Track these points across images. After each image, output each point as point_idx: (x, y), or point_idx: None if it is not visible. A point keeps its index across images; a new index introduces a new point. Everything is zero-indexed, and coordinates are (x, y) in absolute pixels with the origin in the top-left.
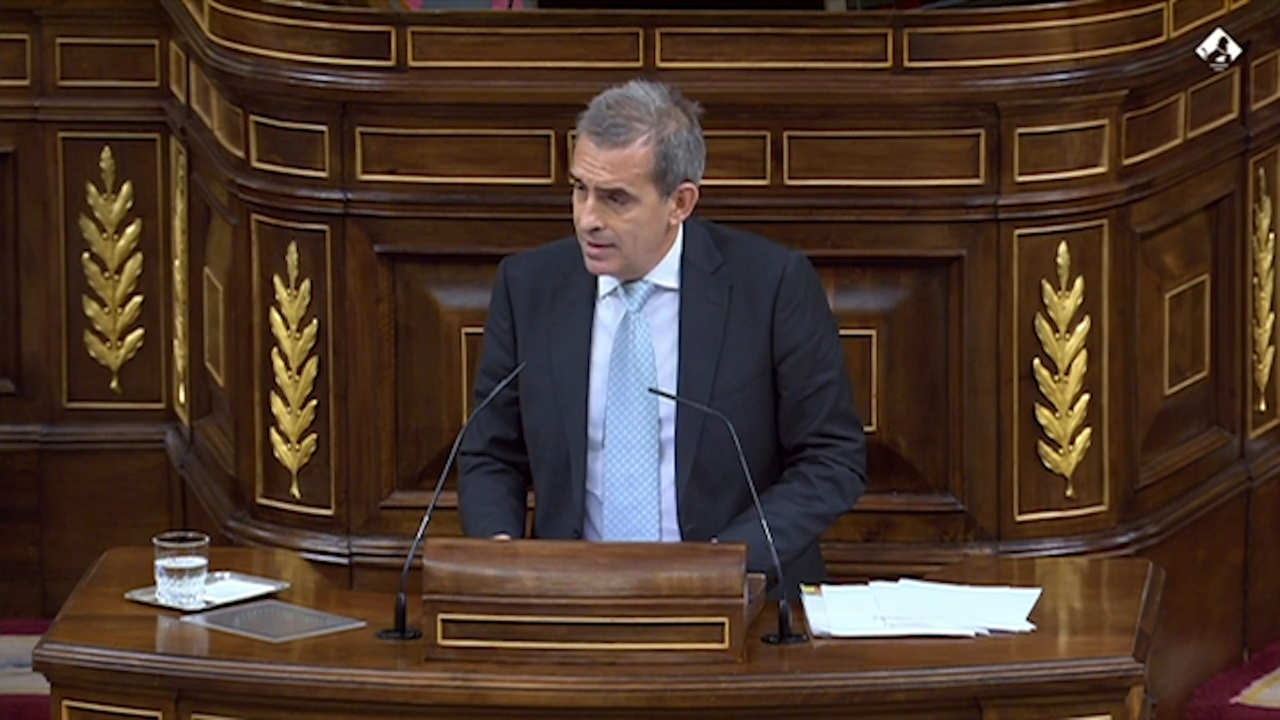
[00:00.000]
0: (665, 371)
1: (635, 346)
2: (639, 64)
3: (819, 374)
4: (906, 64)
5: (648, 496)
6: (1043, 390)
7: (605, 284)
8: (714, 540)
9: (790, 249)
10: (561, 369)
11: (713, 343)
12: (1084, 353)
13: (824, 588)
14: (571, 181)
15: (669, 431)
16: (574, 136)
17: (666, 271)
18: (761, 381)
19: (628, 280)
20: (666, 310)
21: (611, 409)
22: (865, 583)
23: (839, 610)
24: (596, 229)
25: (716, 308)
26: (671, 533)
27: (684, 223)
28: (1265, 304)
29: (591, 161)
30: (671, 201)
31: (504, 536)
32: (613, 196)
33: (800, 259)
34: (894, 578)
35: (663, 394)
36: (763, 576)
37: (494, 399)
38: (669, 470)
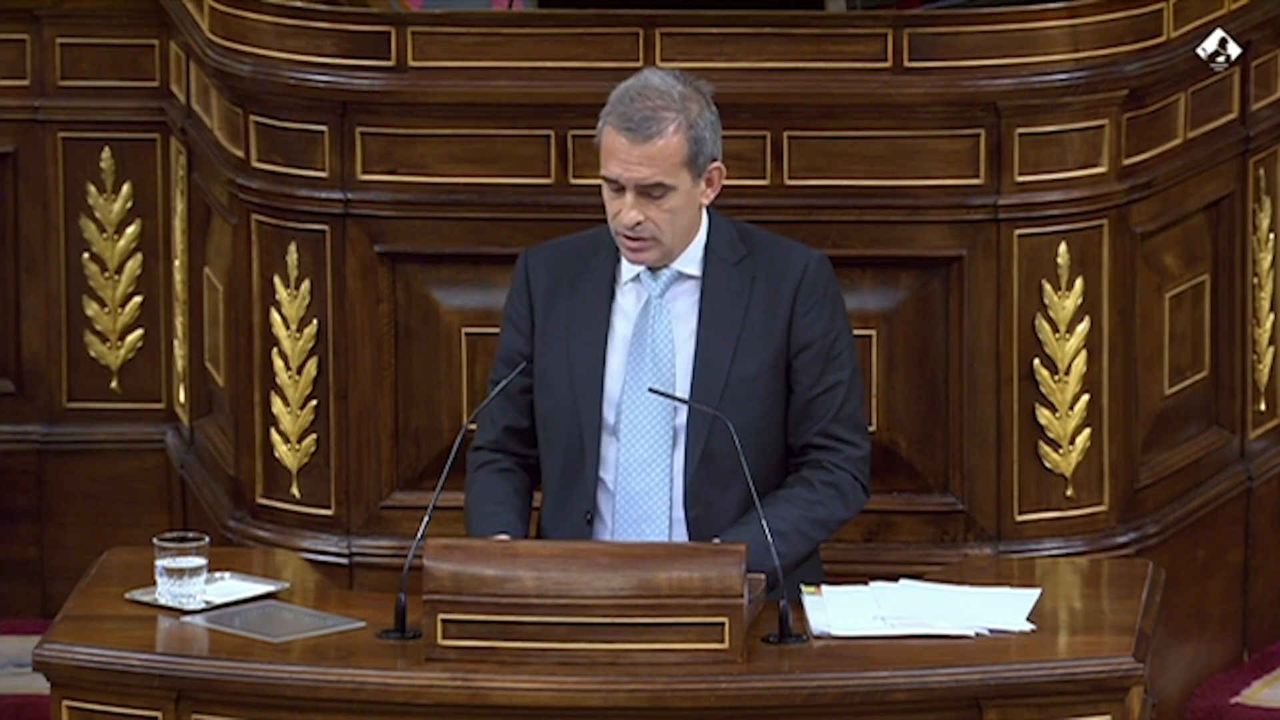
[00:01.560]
0: (683, 357)
1: (655, 332)
2: (639, 64)
3: (831, 374)
4: (906, 64)
5: (659, 482)
6: (1043, 390)
7: (627, 270)
8: (715, 540)
9: (813, 249)
10: (578, 353)
11: (731, 330)
12: (1084, 353)
13: (824, 588)
14: (604, 180)
15: (683, 417)
16: (592, 134)
17: (690, 259)
18: (776, 373)
19: (654, 266)
20: (688, 298)
21: (627, 394)
22: (865, 583)
23: (839, 610)
24: (639, 223)
25: (737, 297)
26: (681, 521)
27: (711, 216)
28: (1265, 304)
29: (626, 158)
30: (702, 183)
31: (504, 536)
32: (651, 190)
33: (823, 258)
34: (894, 578)
35: (663, 394)
36: (763, 576)
37: (508, 388)
38: (681, 456)
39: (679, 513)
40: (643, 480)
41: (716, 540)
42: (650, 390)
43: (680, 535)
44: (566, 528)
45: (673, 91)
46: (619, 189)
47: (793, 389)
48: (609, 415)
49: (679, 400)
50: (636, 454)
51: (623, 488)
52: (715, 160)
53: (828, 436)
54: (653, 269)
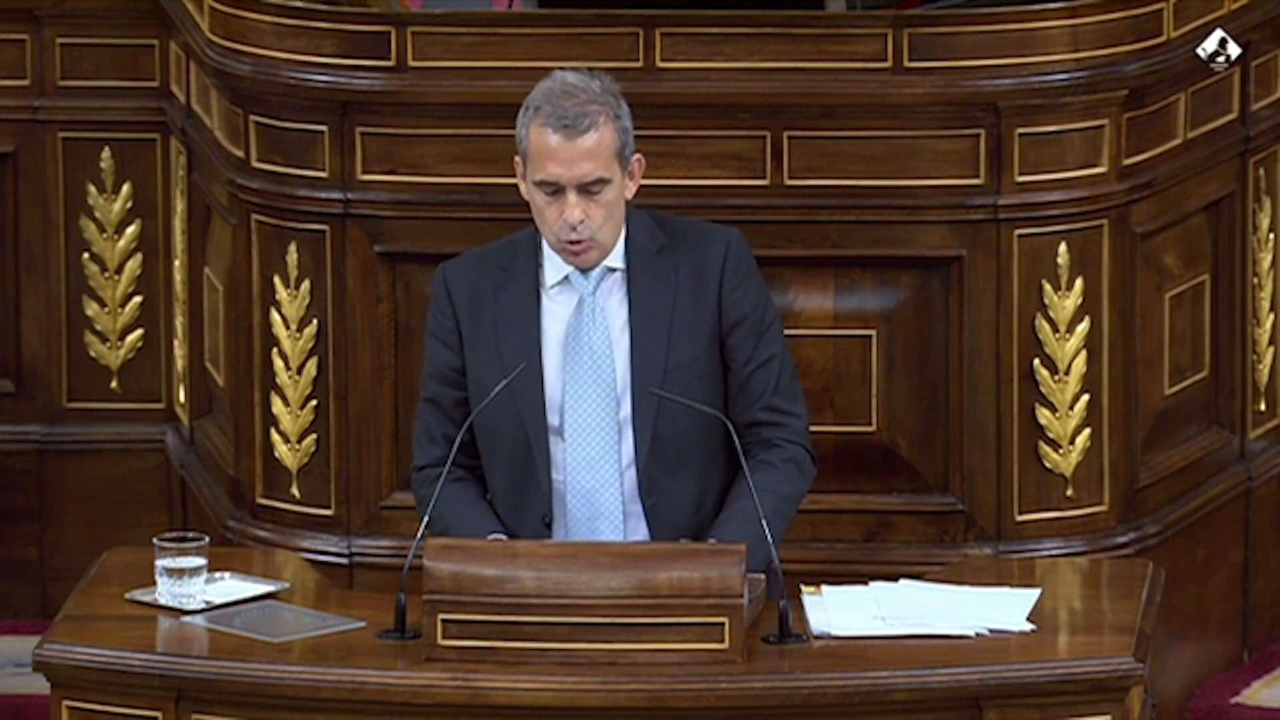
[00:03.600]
0: (619, 351)
1: (590, 330)
2: (639, 64)
3: (765, 347)
4: (906, 64)
5: (609, 478)
6: (1043, 390)
7: (552, 274)
8: (712, 540)
9: (730, 228)
10: (512, 360)
11: (663, 318)
12: (1084, 353)
13: (824, 588)
14: (537, 185)
15: (627, 409)
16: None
17: (614, 253)
18: (711, 354)
19: (593, 266)
20: (617, 291)
21: (569, 393)
22: (865, 583)
23: (839, 610)
24: (582, 222)
25: (664, 284)
26: (636, 514)
27: (627, 209)
28: (1265, 304)
29: (566, 157)
30: (626, 176)
31: (500, 536)
32: (591, 186)
33: (741, 235)
34: (894, 578)
35: (665, 395)
36: (763, 576)
37: (443, 402)
38: (628, 448)
39: (633, 506)
40: (593, 478)
41: (713, 540)
42: (650, 391)
43: (636, 527)
44: (523, 535)
45: (592, 86)
46: (556, 191)
47: (729, 366)
48: (553, 418)
49: (681, 402)
50: (584, 453)
51: (574, 487)
52: (635, 152)
53: (772, 410)
54: (584, 268)
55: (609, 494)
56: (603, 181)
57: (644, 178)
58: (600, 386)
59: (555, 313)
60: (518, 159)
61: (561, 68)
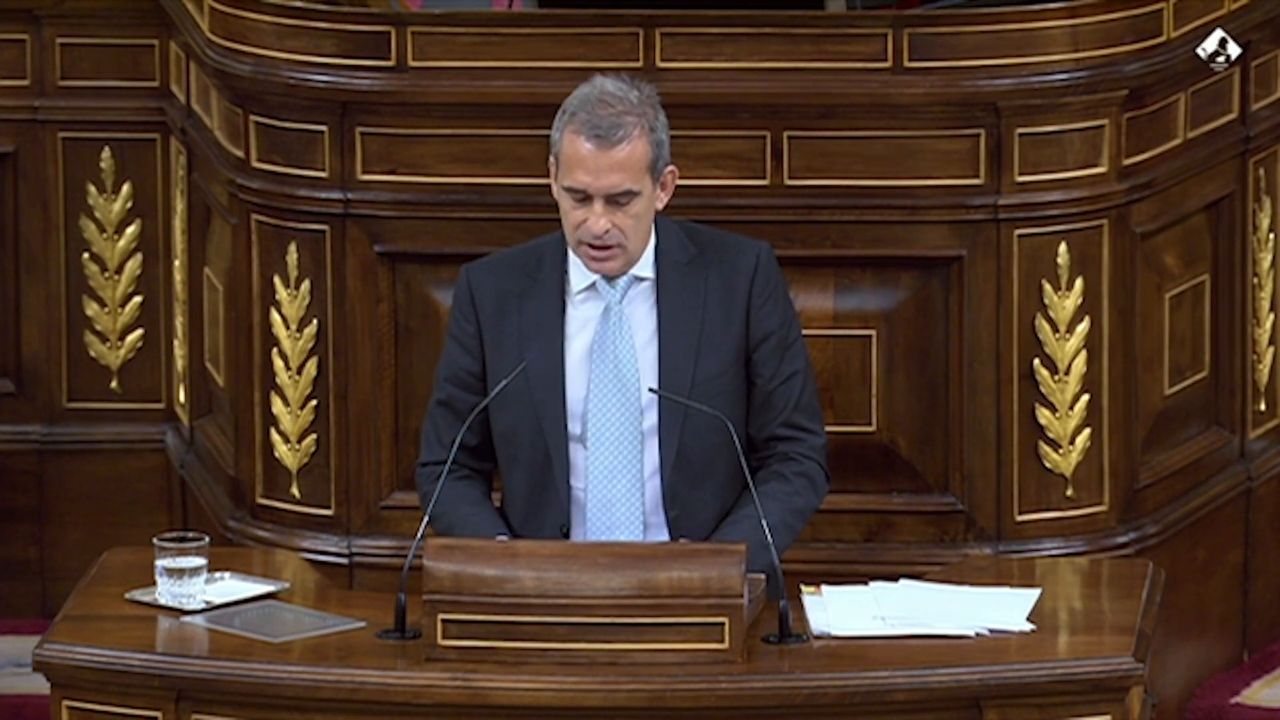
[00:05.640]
0: (645, 361)
1: (616, 339)
2: (639, 64)
3: (788, 363)
4: (906, 64)
5: (631, 488)
6: (1043, 390)
7: (578, 280)
8: (711, 540)
9: (759, 241)
10: (535, 367)
11: (692, 330)
12: (1084, 353)
13: (824, 588)
14: (566, 190)
15: (651, 419)
16: (554, 144)
17: (643, 263)
18: (738, 368)
19: (616, 274)
20: (644, 301)
21: (593, 401)
22: (865, 583)
23: (839, 610)
24: (607, 231)
25: (694, 296)
26: (658, 525)
27: (656, 218)
28: (1265, 304)
29: (595, 167)
30: (658, 187)
31: (503, 537)
32: (619, 197)
33: (770, 249)
34: (894, 578)
35: (667, 395)
36: (763, 577)
37: (456, 405)
38: (652, 459)
39: (654, 516)
40: (614, 487)
41: (713, 539)
42: (650, 390)
43: (656, 538)
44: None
45: (630, 97)
46: (584, 199)
47: (754, 381)
48: (574, 427)
49: (680, 401)
50: (606, 462)
51: (594, 495)
52: (669, 164)
53: (791, 426)
54: (609, 277)
55: (629, 504)
56: (631, 194)
57: None
58: (624, 395)
59: (580, 320)
60: (551, 160)
61: (561, 68)
